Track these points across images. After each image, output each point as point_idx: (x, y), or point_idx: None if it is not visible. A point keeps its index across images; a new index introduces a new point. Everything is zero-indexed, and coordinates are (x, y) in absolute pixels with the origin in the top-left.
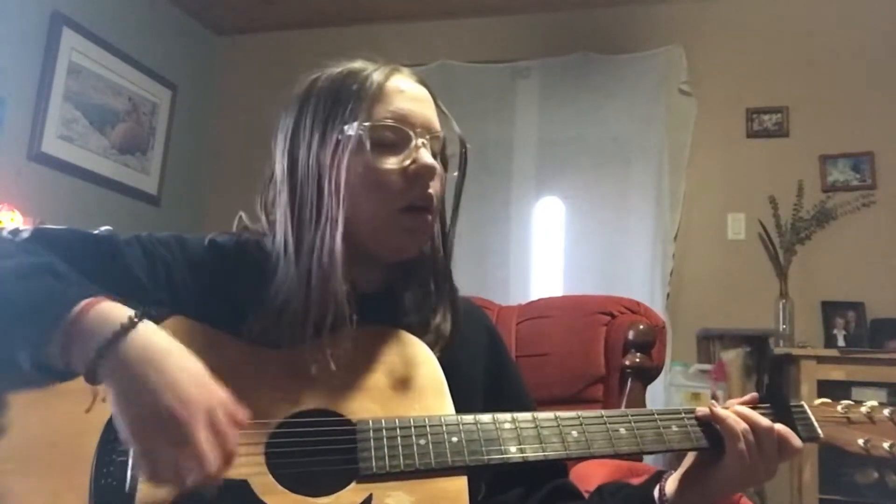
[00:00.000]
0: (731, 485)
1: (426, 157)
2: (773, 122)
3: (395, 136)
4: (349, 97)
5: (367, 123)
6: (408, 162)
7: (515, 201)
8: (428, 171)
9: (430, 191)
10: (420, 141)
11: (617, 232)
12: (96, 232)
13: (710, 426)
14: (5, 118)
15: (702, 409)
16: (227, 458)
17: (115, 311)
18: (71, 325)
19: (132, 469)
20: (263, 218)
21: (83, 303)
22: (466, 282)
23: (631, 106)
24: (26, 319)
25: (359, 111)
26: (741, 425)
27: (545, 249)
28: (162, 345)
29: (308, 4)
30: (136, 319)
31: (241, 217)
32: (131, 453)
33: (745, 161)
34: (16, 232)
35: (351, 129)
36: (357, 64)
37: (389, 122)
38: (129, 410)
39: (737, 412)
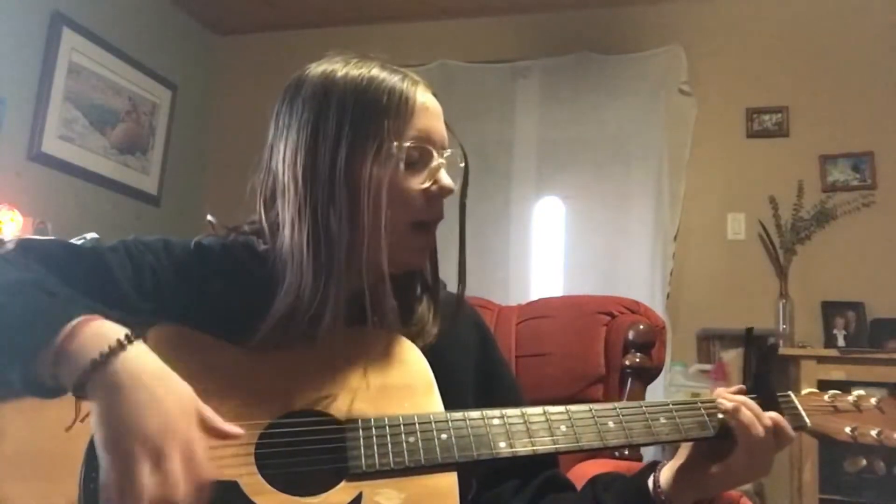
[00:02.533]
0: (733, 479)
1: (447, 178)
2: (773, 122)
3: (421, 155)
4: (379, 111)
5: (406, 144)
6: (429, 182)
7: (515, 201)
8: (448, 194)
9: (442, 210)
10: (440, 161)
11: (617, 232)
12: (80, 241)
13: (716, 420)
14: (5, 118)
15: (723, 411)
16: (200, 489)
17: (108, 330)
18: (62, 342)
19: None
20: (263, 217)
21: (75, 321)
22: (467, 281)
23: (631, 106)
24: (17, 337)
25: (393, 128)
26: (753, 419)
27: (545, 249)
28: (153, 367)
29: (308, 4)
30: (128, 340)
31: (210, 222)
32: (102, 474)
33: (745, 161)
34: (0, 244)
35: (389, 147)
36: (374, 70)
37: (419, 143)
38: (111, 424)
39: (752, 411)
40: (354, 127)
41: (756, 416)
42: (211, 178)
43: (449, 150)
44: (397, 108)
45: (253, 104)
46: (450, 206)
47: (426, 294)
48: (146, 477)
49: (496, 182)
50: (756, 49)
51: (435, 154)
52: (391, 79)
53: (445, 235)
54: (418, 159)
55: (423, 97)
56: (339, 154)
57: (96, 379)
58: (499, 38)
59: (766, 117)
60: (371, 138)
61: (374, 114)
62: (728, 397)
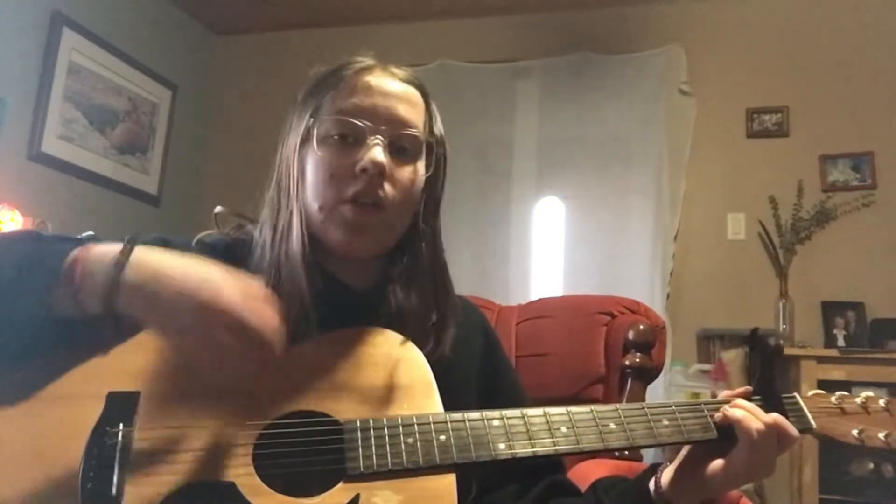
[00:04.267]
0: (734, 481)
1: (376, 154)
2: (773, 122)
3: (350, 130)
4: (319, 90)
5: (330, 116)
6: (358, 157)
7: (515, 201)
8: (373, 168)
9: (380, 191)
10: (377, 138)
11: (617, 232)
12: (79, 237)
13: (704, 419)
14: (5, 118)
15: (718, 415)
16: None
17: (108, 248)
18: (70, 271)
19: (118, 471)
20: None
21: (75, 251)
22: (466, 282)
23: (631, 106)
24: (28, 275)
25: (321, 105)
26: (757, 423)
27: (545, 249)
28: (162, 255)
29: (308, 4)
30: (130, 245)
31: (216, 214)
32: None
33: (745, 161)
34: None
35: (308, 122)
36: (347, 59)
37: (342, 117)
38: (166, 316)
39: (744, 408)
40: (301, 110)
41: (758, 419)
42: (211, 178)
43: (413, 133)
44: (328, 85)
45: (253, 104)
46: (451, 209)
47: (440, 305)
48: (231, 335)
49: (496, 182)
50: (756, 49)
51: (365, 130)
52: (350, 63)
53: (450, 239)
54: (351, 135)
55: (372, 77)
56: (289, 138)
57: (121, 292)
58: (499, 38)
59: (766, 117)
60: (304, 118)
61: (315, 93)
62: (732, 401)
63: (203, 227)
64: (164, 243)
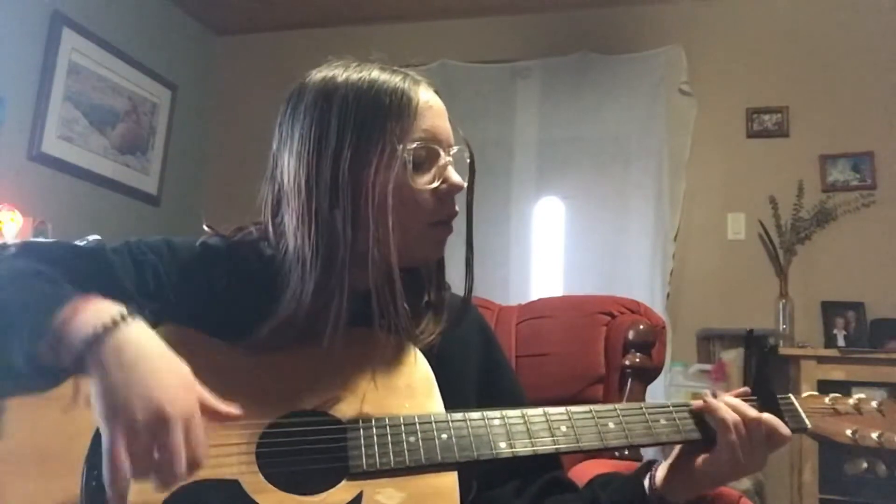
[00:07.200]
0: (720, 475)
1: (455, 176)
2: (773, 122)
3: (428, 154)
4: (382, 113)
5: (411, 145)
6: (439, 181)
7: (515, 201)
8: (458, 191)
9: (456, 207)
10: (448, 159)
11: (617, 232)
12: (83, 243)
13: (701, 419)
14: (5, 118)
15: (696, 402)
16: (194, 466)
17: (107, 307)
18: (62, 321)
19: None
20: (270, 222)
21: (74, 301)
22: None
23: (631, 106)
24: (18, 320)
25: (397, 130)
26: (732, 416)
27: (545, 249)
28: (153, 343)
29: (308, 4)
30: (127, 316)
31: (208, 228)
32: (104, 442)
33: (745, 161)
34: (3, 247)
35: (394, 149)
36: (374, 73)
37: (425, 143)
38: (112, 395)
39: (727, 403)
40: (357, 132)
41: (741, 416)
42: (211, 178)
43: (455, 148)
44: (400, 110)
45: (253, 104)
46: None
47: (431, 297)
48: (147, 448)
49: (496, 182)
50: (756, 49)
51: (441, 152)
52: (392, 80)
53: (449, 238)
54: (425, 159)
55: (426, 96)
56: (343, 159)
57: (95, 353)
58: (499, 38)
59: (766, 117)
60: (375, 142)
61: (376, 117)
62: (712, 403)
63: (202, 227)
64: (168, 245)
